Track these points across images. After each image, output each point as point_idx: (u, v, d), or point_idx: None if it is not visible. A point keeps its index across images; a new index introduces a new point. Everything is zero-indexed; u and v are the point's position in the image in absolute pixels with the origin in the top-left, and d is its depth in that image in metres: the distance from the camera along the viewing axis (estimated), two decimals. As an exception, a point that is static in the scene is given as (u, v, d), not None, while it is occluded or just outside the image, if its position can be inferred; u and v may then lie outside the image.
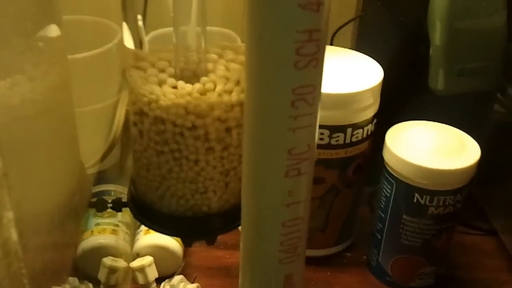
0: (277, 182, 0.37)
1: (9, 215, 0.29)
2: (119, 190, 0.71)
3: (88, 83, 0.67)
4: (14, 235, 0.29)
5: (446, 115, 0.65)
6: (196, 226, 0.47)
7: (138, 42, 0.45)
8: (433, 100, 0.68)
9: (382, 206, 0.64)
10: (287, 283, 0.42)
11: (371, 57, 0.67)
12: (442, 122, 0.64)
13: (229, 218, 0.47)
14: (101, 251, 0.64)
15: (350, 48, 0.70)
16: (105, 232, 0.65)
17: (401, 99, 0.69)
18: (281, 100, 0.35)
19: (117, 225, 0.67)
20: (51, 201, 0.47)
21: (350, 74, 0.64)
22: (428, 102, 0.68)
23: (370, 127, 0.64)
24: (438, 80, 0.67)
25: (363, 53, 0.68)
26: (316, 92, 0.35)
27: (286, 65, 0.34)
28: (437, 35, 0.66)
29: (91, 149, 0.70)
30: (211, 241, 0.49)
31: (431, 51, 0.67)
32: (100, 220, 0.66)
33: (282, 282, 0.41)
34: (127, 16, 0.46)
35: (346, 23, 0.71)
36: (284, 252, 0.40)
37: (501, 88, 0.69)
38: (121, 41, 0.69)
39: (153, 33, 0.45)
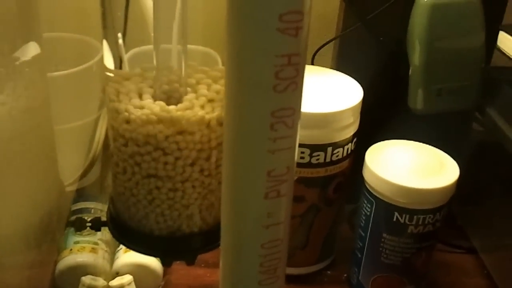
0: (257, 203, 0.37)
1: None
2: (99, 208, 0.70)
3: (69, 101, 0.67)
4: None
5: (425, 134, 0.65)
6: (175, 246, 0.47)
7: (118, 60, 0.45)
8: (412, 120, 0.69)
9: (362, 224, 0.64)
10: (267, 304, 0.42)
11: (352, 77, 0.67)
12: (421, 142, 0.65)
13: (209, 237, 0.47)
14: (80, 270, 0.63)
15: (330, 68, 0.70)
16: (84, 250, 0.65)
17: (381, 118, 0.69)
18: (260, 123, 0.35)
19: (96, 243, 0.66)
20: (28, 220, 0.46)
21: (331, 93, 0.64)
22: (407, 122, 0.68)
23: (350, 146, 0.65)
24: (417, 99, 0.68)
25: (343, 72, 0.68)
26: (295, 115, 0.36)
27: (265, 89, 0.34)
28: (416, 55, 0.67)
29: (71, 167, 0.69)
30: (190, 261, 0.49)
31: (410, 71, 0.67)
32: (79, 238, 0.66)
33: (261, 303, 0.41)
34: (108, 34, 0.46)
35: (327, 43, 0.72)
36: (263, 273, 0.40)
37: (479, 107, 0.69)
38: (102, 59, 0.69)
39: (133, 51, 0.45)
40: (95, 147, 0.70)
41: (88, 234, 0.67)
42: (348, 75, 0.68)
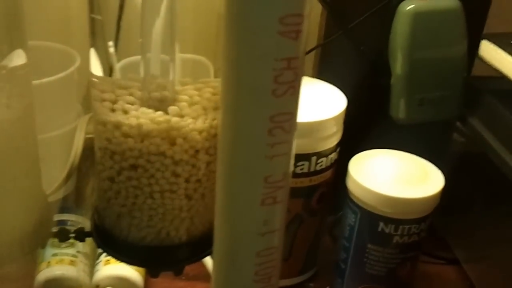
0: (253, 210, 0.37)
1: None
2: (77, 220, 0.69)
3: (45, 110, 0.65)
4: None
5: (407, 144, 0.65)
6: (163, 256, 0.46)
7: (108, 69, 0.44)
8: (394, 129, 0.69)
9: (346, 235, 0.64)
10: (260, 314, 0.41)
11: (333, 86, 0.67)
12: (403, 151, 0.65)
13: (196, 248, 0.47)
14: (59, 283, 0.62)
15: (312, 77, 0.70)
16: (63, 262, 0.64)
17: (363, 128, 0.69)
18: (258, 128, 0.34)
19: (75, 256, 0.65)
20: (11, 232, 0.45)
21: (314, 102, 0.64)
22: (389, 131, 0.68)
23: (334, 156, 0.64)
24: (399, 109, 0.68)
25: (324, 81, 0.68)
26: (293, 119, 0.35)
27: (264, 93, 0.33)
28: (398, 65, 0.67)
29: (48, 178, 0.68)
30: (178, 272, 0.48)
31: (392, 80, 0.68)
32: (57, 251, 0.65)
33: (255, 313, 0.41)
34: (96, 42, 0.45)
35: (309, 52, 0.71)
36: (258, 282, 0.39)
37: (461, 117, 0.69)
38: (79, 68, 0.68)
39: (125, 60, 0.44)
40: (73, 157, 0.68)
41: (66, 247, 0.65)
42: (329, 83, 0.67)
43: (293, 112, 0.35)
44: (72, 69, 0.67)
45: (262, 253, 0.38)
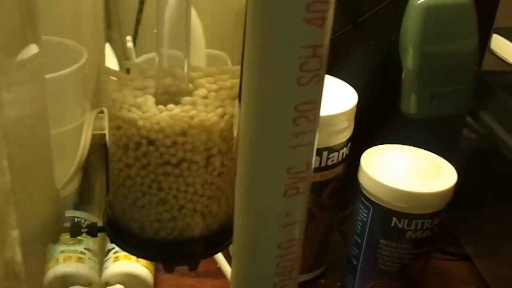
0: (275, 201, 0.36)
1: (15, 233, 0.27)
2: (83, 217, 0.69)
3: (52, 106, 0.65)
4: (18, 255, 0.28)
5: (418, 139, 0.65)
6: (177, 251, 0.46)
7: (124, 64, 0.44)
8: (405, 124, 0.68)
9: (358, 231, 0.63)
10: (281, 308, 0.40)
11: (343, 81, 0.66)
12: (414, 146, 0.64)
13: (211, 242, 0.46)
14: (67, 280, 0.62)
15: (321, 72, 0.69)
16: (71, 260, 0.63)
17: (374, 123, 0.69)
18: (282, 117, 0.34)
19: (83, 253, 0.65)
20: (24, 228, 0.45)
21: (325, 97, 0.63)
22: (400, 126, 0.68)
23: (345, 151, 0.64)
24: (410, 104, 0.68)
25: (333, 76, 0.67)
26: (317, 109, 0.35)
27: (289, 81, 0.33)
28: (409, 59, 0.66)
29: (56, 174, 0.67)
30: (193, 267, 0.48)
31: (403, 75, 0.67)
32: (65, 248, 0.64)
33: (275, 307, 0.40)
34: (111, 36, 0.44)
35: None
36: (279, 274, 0.38)
37: (472, 112, 0.69)
38: (86, 63, 0.67)
39: (145, 56, 0.44)
40: (81, 153, 0.68)
41: (74, 244, 0.65)
42: (339, 79, 0.67)
43: (317, 102, 0.35)
44: (79, 64, 0.66)
45: (283, 245, 0.38)
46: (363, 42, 0.70)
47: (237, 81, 0.43)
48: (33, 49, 0.45)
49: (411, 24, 0.65)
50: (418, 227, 0.59)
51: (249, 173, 0.36)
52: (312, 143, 0.36)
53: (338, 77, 0.67)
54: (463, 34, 0.66)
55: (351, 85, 0.66)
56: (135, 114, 0.41)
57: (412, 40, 0.66)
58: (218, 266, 0.64)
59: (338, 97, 0.63)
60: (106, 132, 0.46)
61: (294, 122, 0.34)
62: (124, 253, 0.65)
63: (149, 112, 0.41)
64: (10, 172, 0.29)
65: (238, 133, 0.39)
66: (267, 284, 0.39)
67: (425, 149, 0.64)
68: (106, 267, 0.65)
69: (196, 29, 0.43)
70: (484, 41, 0.67)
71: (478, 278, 0.72)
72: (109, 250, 0.67)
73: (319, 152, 0.61)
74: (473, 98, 0.68)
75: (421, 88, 0.67)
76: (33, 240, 0.46)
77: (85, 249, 0.65)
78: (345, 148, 0.64)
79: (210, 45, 0.44)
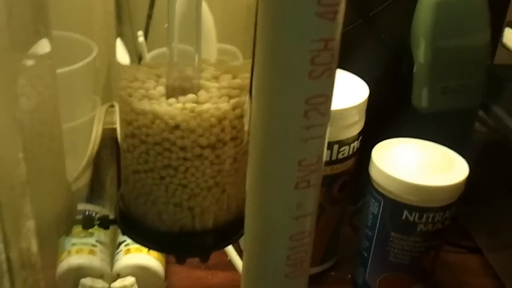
0: (287, 194, 0.36)
1: (30, 224, 0.27)
2: (95, 210, 0.69)
3: (62, 100, 0.65)
4: (34, 246, 0.28)
5: (429, 133, 0.65)
6: (189, 243, 0.46)
7: (136, 58, 0.44)
8: (417, 118, 0.68)
9: (369, 224, 0.63)
10: (292, 299, 0.41)
11: (354, 75, 0.66)
12: (426, 140, 0.64)
13: (223, 234, 0.47)
14: (79, 272, 0.62)
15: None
16: (82, 252, 0.64)
17: (385, 117, 0.69)
18: (294, 110, 0.34)
19: (94, 245, 0.65)
20: (42, 217, 0.45)
21: (336, 91, 0.63)
22: (412, 120, 0.68)
23: (356, 144, 0.64)
24: (421, 98, 0.68)
25: (345, 70, 0.67)
26: (328, 102, 0.35)
27: (300, 75, 0.33)
28: (420, 53, 0.66)
29: (67, 168, 0.68)
30: (204, 258, 0.48)
31: (414, 69, 0.67)
32: (76, 240, 0.65)
33: (287, 298, 0.40)
34: (122, 31, 0.44)
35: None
36: (290, 266, 0.39)
37: (484, 106, 0.69)
38: (96, 58, 0.67)
39: (156, 51, 0.44)
40: (92, 147, 0.68)
41: (85, 236, 0.65)
42: (350, 72, 0.67)
43: (328, 95, 0.35)
44: (89, 59, 0.66)
45: (294, 237, 0.38)
46: (374, 36, 0.70)
47: (248, 74, 0.43)
48: (44, 44, 0.45)
49: (423, 18, 0.65)
50: (429, 220, 0.59)
51: (261, 166, 0.37)
52: (323, 136, 0.36)
53: (349, 71, 0.67)
54: (475, 28, 0.66)
55: (362, 79, 0.66)
56: (146, 107, 0.41)
57: (424, 33, 0.65)
58: (228, 258, 0.64)
59: (349, 91, 0.63)
60: (117, 125, 0.46)
61: (306, 115, 0.34)
62: (136, 245, 0.65)
63: (160, 105, 0.41)
64: (25, 165, 0.29)
65: (249, 126, 0.39)
66: (278, 275, 0.39)
67: (436, 142, 0.64)
68: (118, 260, 0.66)
69: (208, 24, 0.43)
70: (497, 35, 0.67)
71: (489, 271, 0.72)
72: (120, 243, 0.67)
73: (330, 145, 0.61)
74: (485, 92, 0.68)
75: (432, 82, 0.67)
76: (47, 232, 0.46)
77: (96, 241, 0.65)
78: (356, 142, 0.64)
79: (221, 39, 0.45)
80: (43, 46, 0.45)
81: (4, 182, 0.28)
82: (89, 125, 0.66)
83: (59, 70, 0.63)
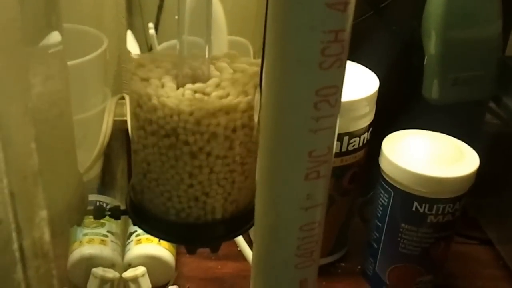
0: (297, 185, 0.36)
1: (43, 213, 0.28)
2: (106, 201, 0.69)
3: (74, 92, 0.65)
4: (46, 235, 0.28)
5: (441, 124, 0.65)
6: (200, 233, 0.46)
7: (146, 50, 0.44)
8: (427, 110, 0.68)
9: (379, 215, 0.63)
10: (302, 289, 0.41)
11: (365, 66, 0.66)
12: (436, 131, 0.64)
13: (233, 225, 0.47)
14: (91, 262, 0.62)
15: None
16: (93, 242, 0.64)
17: (395, 108, 0.69)
18: (304, 101, 0.34)
19: (105, 235, 0.66)
20: (54, 208, 0.45)
21: (346, 83, 0.63)
22: (422, 112, 0.68)
23: (366, 136, 0.64)
24: (432, 89, 0.68)
25: (355, 62, 0.67)
26: (338, 93, 0.35)
27: (310, 66, 0.33)
28: (431, 45, 0.66)
29: (78, 159, 0.68)
30: (215, 249, 0.48)
31: (425, 60, 0.67)
32: (87, 231, 0.65)
33: (297, 288, 0.41)
34: (133, 23, 0.45)
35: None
36: (300, 256, 0.39)
37: (495, 97, 0.69)
38: (106, 50, 0.68)
39: (167, 43, 0.44)
40: (102, 139, 0.68)
41: (96, 226, 0.66)
42: (360, 64, 0.67)
43: (338, 86, 0.35)
44: (100, 51, 0.66)
45: (304, 227, 0.38)
46: (385, 28, 0.70)
47: (258, 65, 0.43)
48: (56, 36, 0.45)
49: (434, 9, 0.65)
50: (439, 212, 0.60)
51: (271, 157, 0.37)
52: (333, 127, 0.36)
53: (359, 63, 0.67)
54: (486, 19, 0.66)
55: (372, 70, 0.66)
56: (156, 99, 0.41)
57: (434, 25, 0.65)
58: (239, 249, 0.64)
59: (360, 83, 0.63)
60: (128, 117, 0.46)
61: (316, 107, 0.34)
62: (146, 236, 0.66)
63: (171, 97, 0.41)
64: (37, 155, 0.30)
65: (259, 117, 0.39)
66: (288, 265, 0.39)
67: (446, 134, 0.64)
68: (129, 250, 0.66)
69: (218, 15, 0.43)
70: (508, 26, 0.67)
71: (500, 262, 0.72)
72: (131, 233, 0.68)
73: (340, 137, 0.61)
74: (496, 84, 0.68)
75: (443, 73, 0.67)
76: (59, 221, 0.47)
77: (107, 231, 0.66)
78: (366, 134, 0.64)
79: (232, 31, 0.45)
80: (55, 39, 0.45)
81: (17, 172, 0.28)
82: (100, 116, 0.66)
83: (70, 62, 0.64)
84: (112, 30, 0.71)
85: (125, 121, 0.51)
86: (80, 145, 0.68)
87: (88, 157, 0.65)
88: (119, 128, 0.64)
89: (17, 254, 0.28)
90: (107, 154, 0.69)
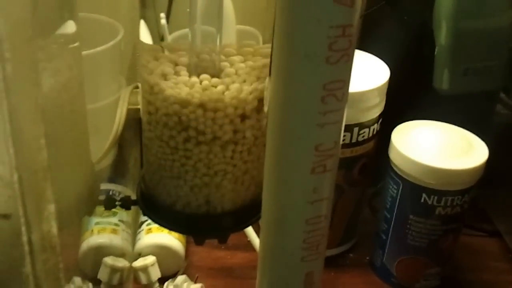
0: (303, 178, 0.37)
1: (51, 207, 0.28)
2: (118, 190, 0.70)
3: (89, 81, 0.66)
4: (54, 228, 0.29)
5: (451, 115, 0.64)
6: (208, 224, 0.47)
7: (158, 40, 0.45)
8: (438, 100, 0.68)
9: (388, 206, 0.63)
10: (308, 281, 0.41)
11: (375, 56, 0.66)
12: (447, 122, 0.64)
13: (241, 216, 0.47)
14: (102, 251, 0.63)
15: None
16: (105, 231, 0.64)
17: (405, 99, 0.69)
18: (311, 96, 0.34)
19: (117, 225, 0.66)
20: (60, 201, 0.46)
21: (356, 73, 0.63)
22: (433, 102, 0.68)
23: (376, 127, 0.64)
24: (443, 80, 0.67)
25: (367, 52, 0.67)
26: (345, 88, 0.35)
27: (318, 61, 0.33)
28: (442, 35, 0.66)
29: (92, 148, 0.69)
30: (223, 240, 0.48)
31: (436, 50, 0.67)
32: (99, 220, 0.65)
33: (303, 280, 0.41)
34: (146, 13, 0.45)
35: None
36: (306, 249, 0.39)
37: (506, 88, 0.69)
38: (122, 40, 0.68)
39: (178, 32, 0.45)
40: (116, 128, 0.69)
41: (108, 216, 0.66)
42: (371, 54, 0.67)
43: (346, 80, 0.35)
44: (115, 40, 0.67)
45: (310, 221, 0.38)
46: (396, 18, 0.69)
47: (269, 57, 0.43)
48: (70, 26, 0.45)
49: (445, 0, 0.65)
50: (448, 204, 0.60)
51: (278, 150, 0.37)
52: (340, 122, 0.36)
53: (370, 53, 0.67)
54: (498, 9, 0.65)
55: (383, 60, 0.66)
56: (168, 88, 0.42)
57: (445, 15, 0.65)
58: (248, 239, 0.65)
59: (370, 73, 0.63)
60: (140, 106, 0.47)
61: (323, 101, 0.34)
62: (157, 225, 0.66)
63: (183, 86, 0.41)
64: (47, 147, 0.30)
65: (267, 110, 0.39)
66: (294, 258, 0.40)
67: (457, 125, 0.64)
68: (139, 239, 0.67)
69: (227, 5, 0.43)
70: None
71: (509, 254, 0.72)
72: (142, 222, 0.68)
73: (350, 128, 0.61)
74: (507, 74, 0.68)
75: (454, 64, 0.66)
76: (68, 214, 0.47)
77: (119, 221, 0.66)
78: (376, 124, 0.64)
79: (241, 21, 0.45)
80: (69, 28, 0.46)
81: (27, 167, 0.29)
82: (114, 106, 0.67)
83: (85, 52, 0.64)
84: (128, 20, 0.71)
85: (139, 110, 0.51)
86: (94, 134, 0.68)
87: (101, 146, 0.65)
88: (133, 117, 0.64)
89: (26, 247, 0.29)
90: (120, 143, 0.70)
